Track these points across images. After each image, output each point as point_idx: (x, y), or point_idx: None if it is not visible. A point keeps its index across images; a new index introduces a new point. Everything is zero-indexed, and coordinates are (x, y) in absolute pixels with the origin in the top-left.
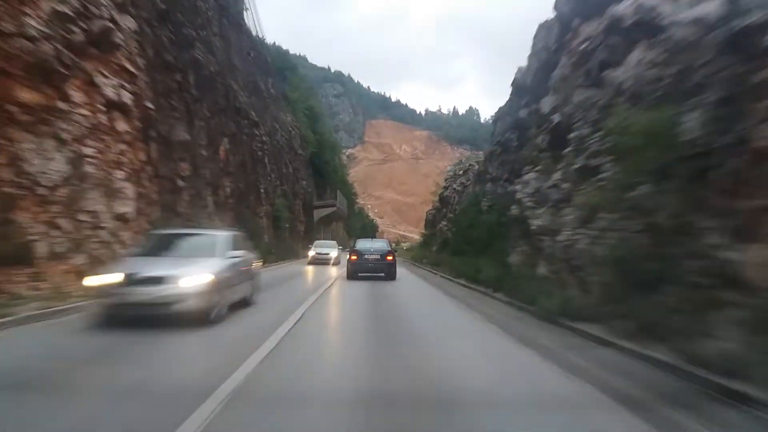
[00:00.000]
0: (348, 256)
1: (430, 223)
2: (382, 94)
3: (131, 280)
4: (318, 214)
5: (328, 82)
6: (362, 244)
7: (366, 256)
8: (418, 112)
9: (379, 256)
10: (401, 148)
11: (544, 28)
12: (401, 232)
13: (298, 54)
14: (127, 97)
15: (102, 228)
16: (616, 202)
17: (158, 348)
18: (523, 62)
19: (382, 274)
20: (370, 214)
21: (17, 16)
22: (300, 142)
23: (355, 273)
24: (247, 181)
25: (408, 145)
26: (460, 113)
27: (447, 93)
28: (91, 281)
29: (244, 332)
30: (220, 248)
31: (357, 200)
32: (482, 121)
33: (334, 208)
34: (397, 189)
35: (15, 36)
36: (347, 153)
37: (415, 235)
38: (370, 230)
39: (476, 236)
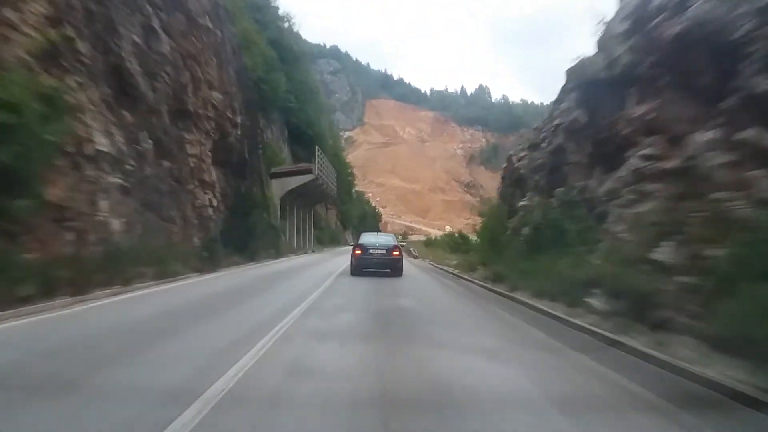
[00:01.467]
0: (352, 251)
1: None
2: (383, 71)
3: None
4: (283, 186)
5: (323, 57)
6: (367, 238)
7: (371, 251)
8: (422, 92)
9: (384, 251)
10: (405, 130)
11: None
12: (407, 223)
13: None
14: None
15: None
16: None
17: None
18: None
19: (388, 270)
20: (371, 202)
21: None
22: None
23: (359, 269)
24: None
25: (412, 127)
26: (469, 93)
27: (454, 72)
28: None
29: None
30: None
31: (355, 185)
32: (493, 100)
33: (310, 177)
34: (401, 175)
35: None
36: (345, 135)
37: (422, 226)
38: (372, 221)
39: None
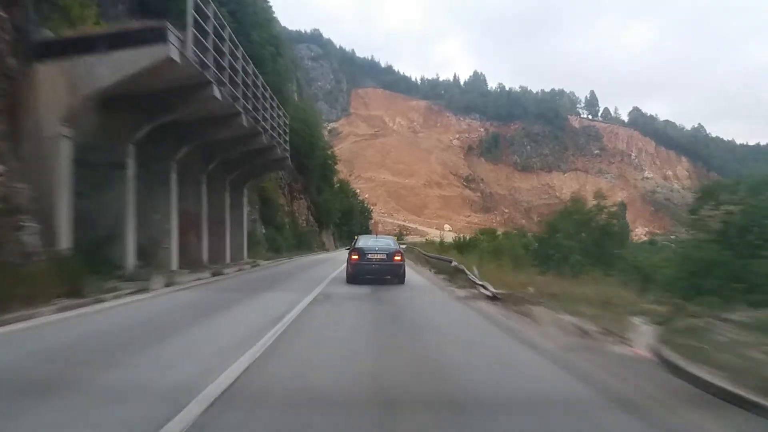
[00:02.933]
0: (348, 256)
1: None
2: (370, 59)
3: None
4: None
5: (303, 42)
6: (364, 242)
7: (369, 256)
8: (413, 80)
9: (384, 256)
10: (395, 121)
11: None
12: (401, 222)
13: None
14: None
15: None
16: None
17: None
18: None
19: (389, 278)
20: (359, 195)
21: None
22: None
23: (356, 276)
24: None
25: (403, 117)
26: (463, 81)
27: (446, 59)
28: None
29: None
30: None
31: (338, 171)
32: (490, 88)
33: (162, 51)
34: (392, 169)
35: None
36: (329, 127)
37: (417, 225)
38: (362, 219)
39: None
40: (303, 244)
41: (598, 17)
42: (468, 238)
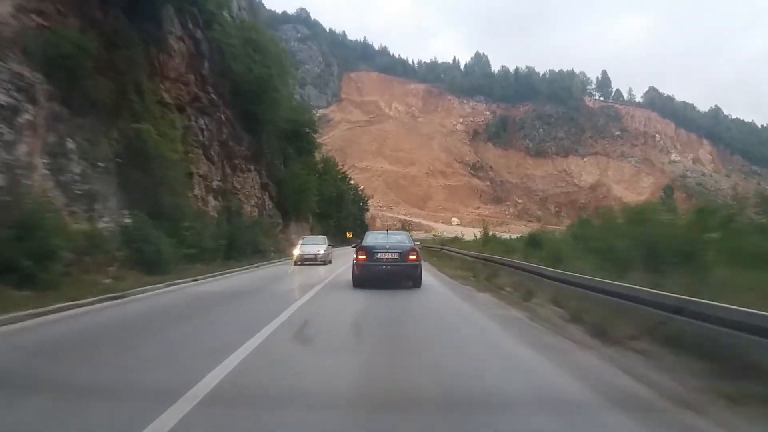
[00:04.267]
0: (354, 256)
1: None
2: (362, 41)
3: None
4: None
5: (289, 23)
6: (373, 238)
7: (379, 256)
8: (410, 62)
9: (397, 255)
10: (392, 107)
11: None
12: (402, 216)
13: None
14: None
15: None
16: None
17: None
18: None
19: (405, 281)
20: (350, 180)
21: None
22: None
23: (363, 280)
24: None
25: (400, 103)
26: (464, 63)
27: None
28: None
29: None
30: None
31: (317, 141)
32: (493, 71)
33: None
34: (390, 157)
35: None
36: (318, 113)
37: (421, 219)
38: (355, 209)
39: None
40: (246, 246)
41: None
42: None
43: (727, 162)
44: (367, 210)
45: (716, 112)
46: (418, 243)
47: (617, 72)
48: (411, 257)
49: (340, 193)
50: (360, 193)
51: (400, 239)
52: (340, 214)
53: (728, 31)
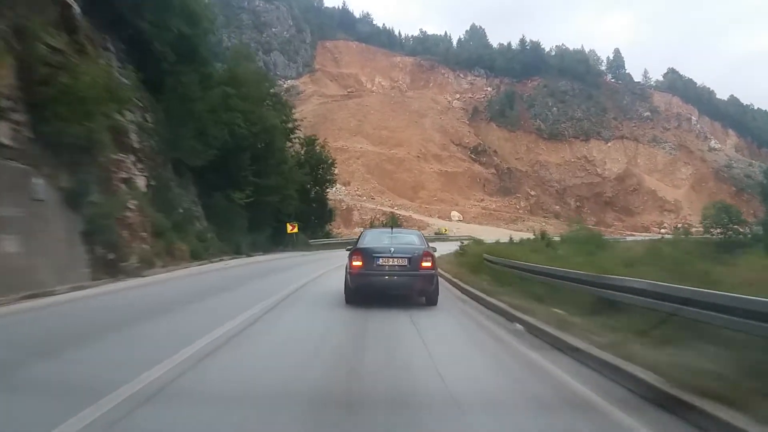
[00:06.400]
0: (348, 262)
1: None
2: (341, 7)
3: None
4: None
5: None
6: (373, 238)
7: (381, 262)
8: (396, 33)
9: (406, 261)
10: (374, 81)
11: None
12: (387, 208)
13: None
14: None
15: None
16: None
17: None
18: None
19: (422, 299)
20: (298, 123)
21: None
22: None
23: (358, 293)
24: None
25: (384, 77)
26: (457, 37)
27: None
28: None
29: None
30: None
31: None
32: (494, 45)
33: None
34: (371, 137)
35: None
36: (286, 84)
37: (412, 212)
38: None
39: None
40: None
41: None
42: None
43: (755, 155)
44: (333, 188)
45: (735, 100)
46: (434, 247)
47: (630, 52)
48: (425, 264)
49: (270, 138)
50: (322, 155)
51: (409, 240)
52: (265, 181)
53: (746, 13)
